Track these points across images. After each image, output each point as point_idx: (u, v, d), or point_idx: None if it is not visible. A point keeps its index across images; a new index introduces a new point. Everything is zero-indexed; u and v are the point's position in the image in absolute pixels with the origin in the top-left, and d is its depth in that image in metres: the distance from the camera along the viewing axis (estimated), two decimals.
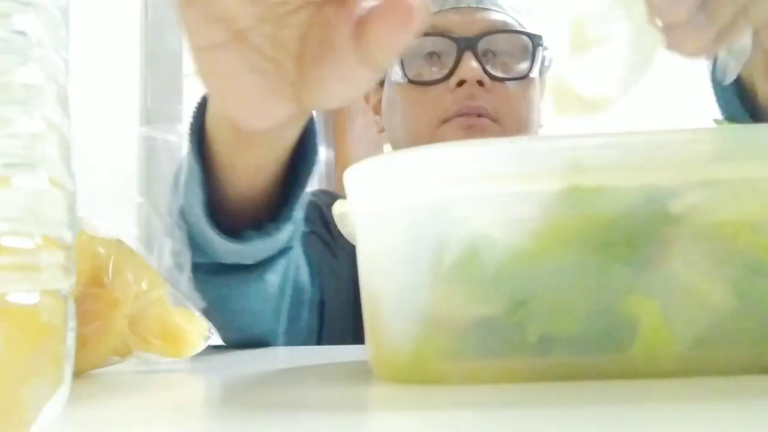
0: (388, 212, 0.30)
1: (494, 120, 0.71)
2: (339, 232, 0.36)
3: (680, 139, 0.27)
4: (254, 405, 0.26)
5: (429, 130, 0.72)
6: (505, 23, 0.73)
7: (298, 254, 0.58)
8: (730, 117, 0.51)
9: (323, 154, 3.41)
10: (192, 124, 0.46)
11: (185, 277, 0.44)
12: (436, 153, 0.29)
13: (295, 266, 0.58)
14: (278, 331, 0.58)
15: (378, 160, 0.30)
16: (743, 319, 0.27)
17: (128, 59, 1.48)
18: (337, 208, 0.35)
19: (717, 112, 0.53)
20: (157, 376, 0.38)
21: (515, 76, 0.73)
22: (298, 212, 0.48)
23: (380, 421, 0.23)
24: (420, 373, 0.29)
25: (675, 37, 0.35)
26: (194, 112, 0.46)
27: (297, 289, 0.59)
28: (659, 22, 0.34)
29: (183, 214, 0.47)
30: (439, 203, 0.28)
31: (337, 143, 3.53)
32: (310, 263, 0.65)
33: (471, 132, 0.71)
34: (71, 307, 0.20)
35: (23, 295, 0.18)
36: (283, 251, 0.51)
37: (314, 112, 0.44)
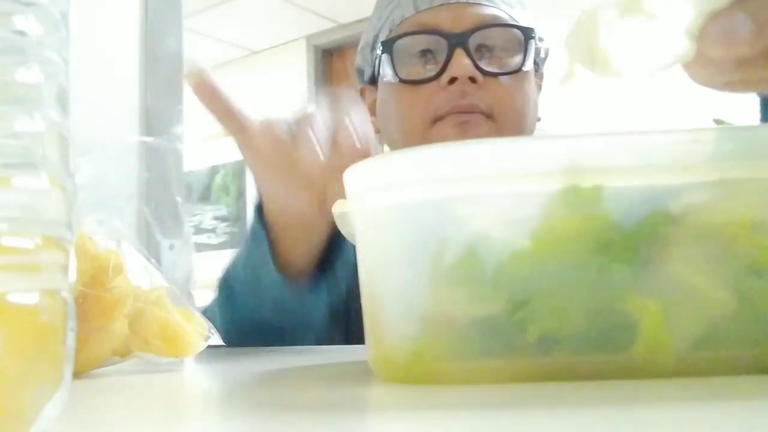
0: (388, 212, 0.30)
1: (488, 116, 0.70)
2: None
3: (680, 139, 0.27)
4: (254, 405, 0.26)
5: (423, 130, 0.71)
6: (496, 17, 0.72)
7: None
8: None
9: None
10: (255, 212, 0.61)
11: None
12: (436, 153, 0.29)
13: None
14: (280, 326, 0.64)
15: (377, 160, 0.30)
16: (743, 319, 0.27)
17: (128, 60, 1.48)
18: (337, 208, 0.35)
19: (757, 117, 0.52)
20: (157, 376, 0.38)
21: (508, 70, 0.71)
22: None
23: (380, 421, 0.23)
24: (420, 373, 0.29)
25: (708, 70, 0.33)
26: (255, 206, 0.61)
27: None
28: (700, 48, 0.32)
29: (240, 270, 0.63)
30: (438, 203, 0.28)
31: None
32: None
33: (465, 129, 0.69)
34: (71, 307, 0.19)
35: (23, 295, 0.18)
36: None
37: None
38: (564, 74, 0.35)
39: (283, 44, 3.60)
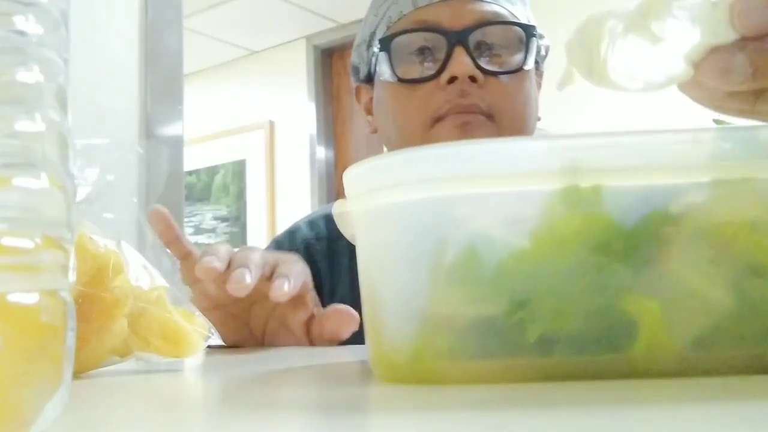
0: (387, 212, 0.30)
1: (489, 116, 0.68)
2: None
3: (680, 140, 0.27)
4: (254, 405, 0.26)
5: (422, 130, 0.69)
6: (496, 14, 0.70)
7: None
8: None
9: (323, 154, 3.42)
10: None
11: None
12: (436, 153, 0.29)
13: None
14: None
15: (377, 160, 0.30)
16: (743, 319, 0.27)
17: (128, 59, 1.48)
18: (337, 208, 0.35)
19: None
20: (157, 376, 0.38)
21: (509, 69, 0.69)
22: None
23: (380, 421, 0.23)
24: (420, 373, 0.29)
25: (701, 93, 0.34)
26: None
27: None
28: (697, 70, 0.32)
29: None
30: (438, 203, 0.28)
31: (337, 143, 3.53)
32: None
33: (466, 130, 0.67)
34: (71, 307, 0.19)
35: (23, 295, 0.18)
36: None
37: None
38: (561, 78, 0.35)
39: (283, 44, 3.60)
